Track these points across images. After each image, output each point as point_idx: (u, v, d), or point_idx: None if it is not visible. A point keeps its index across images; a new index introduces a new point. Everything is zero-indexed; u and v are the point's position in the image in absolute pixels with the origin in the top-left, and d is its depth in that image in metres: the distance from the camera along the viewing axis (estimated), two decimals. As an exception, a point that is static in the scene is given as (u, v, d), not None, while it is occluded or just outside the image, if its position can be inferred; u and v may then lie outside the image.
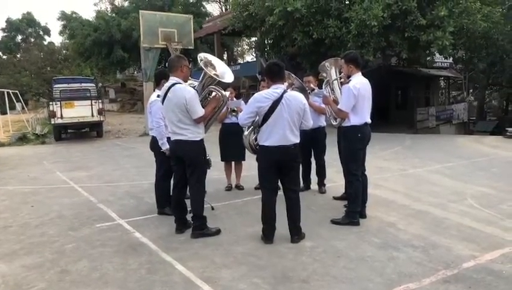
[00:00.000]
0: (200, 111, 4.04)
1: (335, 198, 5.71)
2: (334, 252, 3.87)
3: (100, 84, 43.20)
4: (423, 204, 5.39)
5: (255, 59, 23.32)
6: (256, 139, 4.17)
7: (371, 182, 6.39)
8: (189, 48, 14.84)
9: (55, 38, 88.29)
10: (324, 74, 5.14)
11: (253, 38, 23.84)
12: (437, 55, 15.95)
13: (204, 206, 5.24)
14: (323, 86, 5.02)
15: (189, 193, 4.35)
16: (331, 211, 5.09)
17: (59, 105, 14.11)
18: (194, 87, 4.08)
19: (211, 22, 26.96)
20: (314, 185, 6.26)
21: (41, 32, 56.39)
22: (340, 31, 13.77)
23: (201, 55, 4.11)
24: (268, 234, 4.13)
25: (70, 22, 34.29)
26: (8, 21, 53.63)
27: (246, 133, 4.24)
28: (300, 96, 4.06)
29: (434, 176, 7.08)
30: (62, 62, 47.67)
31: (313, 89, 5.92)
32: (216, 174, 6.79)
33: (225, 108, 5.89)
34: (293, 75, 4.52)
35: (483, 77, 23.73)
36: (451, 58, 18.26)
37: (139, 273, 3.54)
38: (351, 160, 4.61)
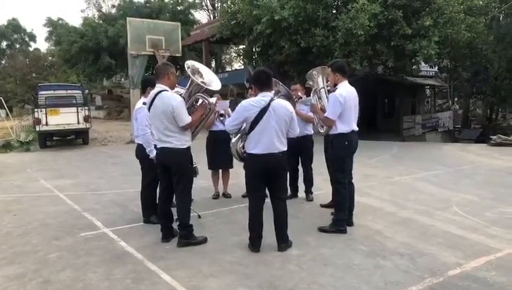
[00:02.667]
0: (187, 118, 4.01)
1: (322, 206, 5.71)
2: (321, 260, 3.86)
3: (87, 91, 42.82)
4: (409, 212, 5.42)
5: (242, 67, 23.35)
6: (243, 147, 4.15)
7: (357, 190, 6.39)
8: (177, 55, 14.82)
9: (41, 44, 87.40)
10: (311, 82, 5.16)
11: (241, 46, 23.86)
12: (423, 64, 16.18)
13: (191, 214, 5.21)
14: (311, 94, 5.03)
15: (176, 201, 4.30)
16: (319, 219, 5.09)
17: (44, 112, 13.93)
18: (180, 95, 4.05)
19: (199, 30, 26.97)
20: (301, 193, 6.26)
21: (26, 39, 55.71)
22: (327, 39, 13.89)
23: (189, 63, 4.10)
24: (255, 243, 4.10)
25: (56, 28, 34.04)
26: (-7, 27, 52.95)
27: (233, 140, 4.22)
28: (287, 104, 4.06)
29: (420, 184, 7.14)
30: (48, 69, 47.17)
31: (300, 97, 5.94)
32: (203, 182, 6.75)
33: (212, 115, 5.89)
34: (280, 82, 4.52)
35: (467, 86, 24.09)
36: (436, 67, 18.60)
37: (124, 283, 3.48)
38: (338, 168, 4.62)
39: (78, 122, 14.33)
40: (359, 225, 4.88)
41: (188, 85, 4.11)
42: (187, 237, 4.26)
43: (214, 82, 4.16)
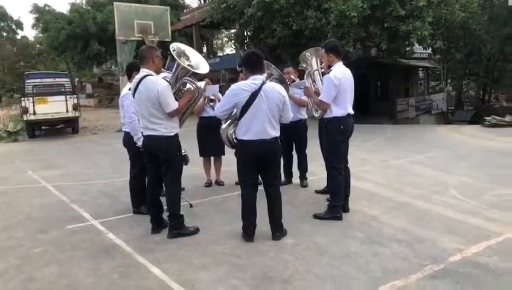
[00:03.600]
0: (174, 104, 3.81)
1: (317, 192, 5.57)
2: (317, 249, 3.73)
3: (77, 79, 42.24)
4: (406, 196, 5.30)
5: (234, 51, 23.01)
6: (234, 133, 3.97)
7: (352, 175, 6.24)
8: (166, 40, 14.44)
9: (29, 32, 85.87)
10: (304, 64, 4.98)
11: (233, 30, 23.48)
12: (416, 45, 15.96)
13: (182, 204, 5.04)
14: (305, 77, 4.85)
15: (165, 191, 4.13)
16: (313, 206, 4.95)
17: (31, 101, 13.58)
18: (166, 79, 3.84)
19: (189, 14, 26.50)
20: (296, 179, 6.12)
21: (13, 26, 54.61)
22: (320, 22, 13.62)
23: (174, 45, 3.88)
24: (248, 232, 3.96)
25: (43, 15, 33.23)
26: (-21, 15, 51.76)
27: (223, 126, 4.02)
28: (279, 87, 3.87)
29: (416, 167, 7.02)
30: (36, 57, 46.37)
31: (293, 81, 5.75)
32: (195, 169, 6.59)
33: (201, 99, 5.69)
34: (272, 65, 4.32)
35: (460, 67, 24.00)
36: (430, 49, 18.39)
37: (111, 278, 3.32)
38: (333, 153, 4.46)
39: (67, 111, 14.00)
40: (355, 210, 4.75)
41: (174, 69, 3.90)
42: (177, 228, 4.10)
43: (201, 65, 3.95)
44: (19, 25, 54.52)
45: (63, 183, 6.96)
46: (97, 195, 6.01)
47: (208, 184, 6.28)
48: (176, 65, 3.86)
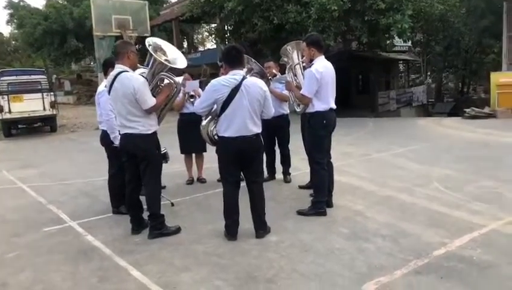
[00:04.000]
0: (151, 101, 3.69)
1: (300, 187, 5.52)
2: (301, 246, 3.67)
3: (55, 76, 41.35)
4: (390, 189, 5.29)
5: (215, 46, 22.78)
6: (215, 129, 3.87)
7: (335, 169, 6.21)
8: (146, 35, 14.17)
9: (4, 28, 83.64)
10: (285, 58, 4.89)
11: (213, 25, 23.24)
12: (396, 38, 16.04)
13: (163, 202, 4.92)
14: (286, 71, 4.77)
15: (144, 190, 4.00)
16: (297, 202, 4.89)
17: (6, 99, 13.20)
18: (143, 75, 3.71)
19: (169, 9, 26.13)
20: (279, 175, 6.05)
21: (-12, 23, 53.17)
22: (301, 15, 13.55)
23: (150, 40, 3.75)
24: (231, 230, 3.87)
25: (17, 10, 32.39)
26: (-49, 11, 50.25)
27: (203, 123, 3.92)
28: (260, 82, 3.78)
29: (398, 160, 7.03)
30: (12, 54, 45.27)
31: (275, 75, 5.67)
32: (177, 167, 6.49)
33: (181, 95, 5.58)
34: (252, 60, 4.24)
35: (440, 60, 24.29)
36: (410, 42, 18.52)
37: (89, 282, 3.21)
38: (315, 148, 4.40)
39: (44, 109, 13.66)
40: (339, 205, 4.71)
41: (150, 64, 3.77)
42: (158, 228, 3.99)
43: (178, 60, 3.83)
44: (-6, 21, 53.10)
45: (40, 183, 6.75)
46: (76, 195, 5.85)
47: (190, 182, 6.17)
48: (152, 60, 3.74)
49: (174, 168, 6.65)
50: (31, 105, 13.47)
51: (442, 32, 18.33)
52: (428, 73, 29.27)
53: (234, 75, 3.67)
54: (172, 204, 5.04)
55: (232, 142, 3.70)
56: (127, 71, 3.71)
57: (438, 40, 19.45)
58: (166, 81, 3.83)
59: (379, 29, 13.58)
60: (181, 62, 3.86)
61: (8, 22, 35.75)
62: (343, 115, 16.31)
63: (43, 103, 13.65)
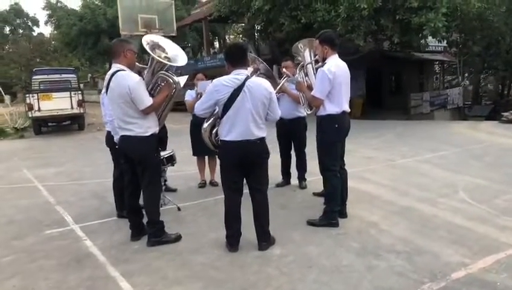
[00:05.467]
0: (148, 101, 3.50)
1: (315, 194, 5.21)
2: (305, 262, 3.38)
3: (90, 75, 42.40)
4: (411, 199, 4.91)
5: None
6: (217, 133, 3.64)
7: (356, 175, 5.94)
8: (172, 35, 14.17)
9: (45, 29, 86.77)
10: (299, 57, 4.61)
11: (242, 24, 23.08)
12: (430, 38, 15.36)
13: (170, 207, 4.78)
14: (297, 71, 4.49)
15: (142, 196, 3.82)
16: (310, 210, 4.60)
17: (36, 97, 13.48)
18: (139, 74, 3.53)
19: (199, 9, 26.19)
20: (294, 180, 5.76)
21: (29, 23, 55.10)
22: (329, 14, 13.16)
23: (147, 38, 3.56)
24: (232, 241, 3.63)
25: (55, 11, 33.39)
26: (-5, 13, 52.35)
27: (204, 126, 3.70)
28: (265, 83, 3.52)
29: (424, 167, 6.59)
30: (51, 53, 46.71)
31: (288, 76, 5.38)
32: (192, 169, 6.31)
33: (194, 95, 5.44)
34: (259, 59, 3.98)
35: (478, 61, 23.14)
36: (445, 42, 17.69)
37: (76, 293, 3.04)
38: (326, 154, 4.07)
39: (72, 108, 13.86)
40: (353, 216, 4.39)
41: (149, 63, 3.59)
42: (157, 235, 3.80)
43: (179, 57, 3.63)
44: (35, 22, 55.05)
45: (55, 183, 6.74)
46: (86, 196, 5.77)
47: (202, 185, 5.98)
48: (150, 59, 3.54)
49: (189, 170, 6.50)
50: (59, 103, 13.70)
51: (480, 32, 17.40)
52: (466, 74, 28.05)
53: (237, 75, 3.43)
54: (179, 209, 4.86)
55: (234, 146, 3.46)
56: (124, 70, 3.53)
57: (475, 40, 18.48)
58: (169, 80, 3.60)
59: (411, 28, 13.00)
60: (181, 59, 3.65)
61: (46, 23, 36.96)
62: (374, 117, 15.87)
63: (71, 101, 13.85)
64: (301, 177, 5.72)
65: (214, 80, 3.52)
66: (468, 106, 23.68)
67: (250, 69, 3.71)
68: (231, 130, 3.45)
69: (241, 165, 3.53)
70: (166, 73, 3.60)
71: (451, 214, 4.33)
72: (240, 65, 3.47)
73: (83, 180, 6.79)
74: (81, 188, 6.27)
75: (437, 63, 25.20)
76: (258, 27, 17.49)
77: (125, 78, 3.44)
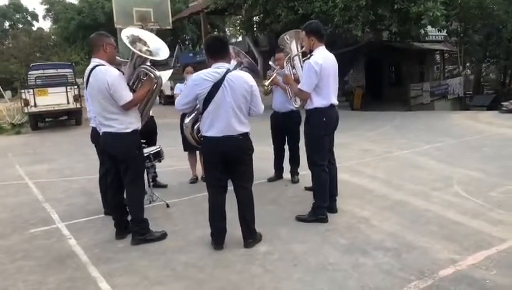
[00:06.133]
0: (127, 96, 3.39)
1: (307, 189, 5.09)
2: (290, 259, 3.29)
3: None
4: (404, 193, 4.81)
5: (240, 39, 22.44)
6: (198, 129, 3.54)
7: (350, 168, 5.86)
8: (167, 28, 14.03)
9: (44, 23, 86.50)
10: (287, 50, 4.49)
11: (239, 16, 22.85)
12: (429, 28, 15.14)
13: (159, 203, 4.71)
14: (285, 63, 4.37)
15: (126, 194, 3.73)
16: (299, 205, 4.51)
17: (32, 93, 13.37)
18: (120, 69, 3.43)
19: (196, 1, 25.95)
20: (287, 174, 5.66)
21: (29, 18, 54.98)
22: (326, 5, 12.96)
23: (127, 32, 3.45)
24: (217, 239, 3.55)
25: (53, 5, 33.23)
26: (-6, 8, 52.23)
27: (186, 121, 3.60)
28: (247, 76, 3.40)
29: (420, 159, 6.48)
30: (51, 48, 46.55)
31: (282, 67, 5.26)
32: (185, 164, 6.22)
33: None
34: (242, 52, 3.85)
35: (479, 50, 22.84)
36: (445, 31, 17.46)
37: (53, 295, 2.96)
38: (314, 148, 3.97)
39: (68, 102, 13.74)
40: (344, 211, 4.29)
41: (130, 57, 3.48)
42: (142, 233, 3.72)
43: (161, 50, 3.52)
44: (35, 16, 54.88)
45: (47, 179, 6.66)
46: (74, 193, 5.70)
47: (193, 180, 5.89)
48: (131, 53, 3.43)
49: (182, 165, 6.42)
50: (55, 99, 13.57)
51: (480, 21, 17.15)
52: (467, 64, 27.74)
53: (217, 69, 3.31)
54: (168, 205, 4.77)
55: (216, 142, 3.36)
56: (103, 65, 3.42)
57: (476, 28, 18.25)
58: (151, 74, 3.49)
59: (409, 17, 12.80)
60: (163, 53, 3.54)
61: (44, 17, 36.82)
62: (373, 108, 15.72)
63: (67, 96, 13.73)
64: (293, 172, 5.62)
65: (194, 74, 3.41)
66: (470, 95, 23.47)
67: (233, 62, 3.60)
68: (212, 126, 3.34)
69: (223, 162, 3.43)
70: (148, 67, 3.49)
71: (443, 208, 4.23)
72: (220, 58, 3.36)
73: (73, 177, 6.71)
74: (71, 184, 6.19)
75: (437, 52, 24.93)
76: (255, 19, 17.27)
77: (104, 74, 3.34)
